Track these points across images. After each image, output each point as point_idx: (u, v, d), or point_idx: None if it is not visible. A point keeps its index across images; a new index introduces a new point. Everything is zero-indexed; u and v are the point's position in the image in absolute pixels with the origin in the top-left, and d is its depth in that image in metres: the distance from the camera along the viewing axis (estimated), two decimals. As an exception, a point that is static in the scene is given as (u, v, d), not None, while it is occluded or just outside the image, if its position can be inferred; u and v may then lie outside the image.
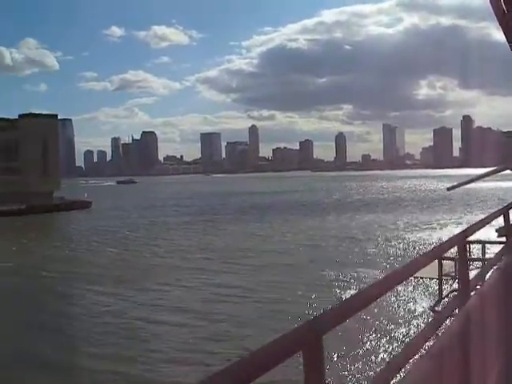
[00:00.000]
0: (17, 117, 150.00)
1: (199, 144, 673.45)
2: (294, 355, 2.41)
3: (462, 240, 5.35)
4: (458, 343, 4.25)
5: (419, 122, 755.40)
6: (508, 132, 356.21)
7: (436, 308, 16.34)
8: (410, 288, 37.02)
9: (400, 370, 3.41)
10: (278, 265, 50.88)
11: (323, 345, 2.59)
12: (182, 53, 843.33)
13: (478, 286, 5.73)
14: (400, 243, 61.92)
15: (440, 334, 4.14)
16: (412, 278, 32.61)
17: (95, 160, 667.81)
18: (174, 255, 59.64)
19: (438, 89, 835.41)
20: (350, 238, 67.64)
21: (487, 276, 6.03)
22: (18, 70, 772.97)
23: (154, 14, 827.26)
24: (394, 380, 3.26)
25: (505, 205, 8.09)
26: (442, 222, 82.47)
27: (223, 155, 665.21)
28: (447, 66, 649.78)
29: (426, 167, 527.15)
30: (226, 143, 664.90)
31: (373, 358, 26.09)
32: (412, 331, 28.67)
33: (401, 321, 31.90)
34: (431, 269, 16.70)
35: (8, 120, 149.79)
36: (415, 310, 33.88)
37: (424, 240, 61.74)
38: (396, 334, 29.34)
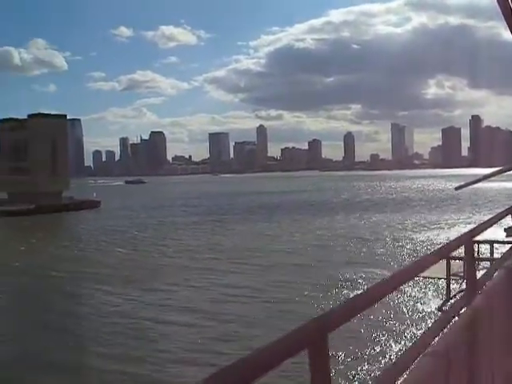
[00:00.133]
0: (26, 117, 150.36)
1: (207, 144, 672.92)
2: (299, 353, 2.40)
3: (468, 239, 5.34)
4: (463, 342, 4.25)
5: (428, 121, 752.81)
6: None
7: (444, 308, 16.30)
8: (419, 288, 36.98)
9: (406, 368, 3.41)
10: (287, 265, 50.88)
11: (329, 343, 2.58)
12: (190, 53, 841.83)
13: (485, 286, 5.73)
14: (408, 243, 61.84)
15: (445, 332, 4.14)
16: (421, 278, 32.62)
17: (104, 160, 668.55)
18: (182, 255, 59.69)
19: (446, 88, 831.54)
20: (358, 237, 67.51)
21: (494, 275, 6.03)
22: (27, 70, 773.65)
23: (162, 14, 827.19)
24: (400, 379, 3.27)
25: None
26: (450, 221, 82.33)
27: (231, 155, 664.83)
28: (456, 65, 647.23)
29: (435, 167, 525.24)
30: (234, 143, 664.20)
31: (378, 356, 26.07)
32: (419, 330, 28.62)
33: (408, 320, 31.86)
34: (440, 269, 16.68)
35: (17, 120, 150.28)
36: (423, 309, 33.84)
37: (432, 240, 61.64)
38: (402, 333, 29.31)
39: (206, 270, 50.01)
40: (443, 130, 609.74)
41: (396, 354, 25.19)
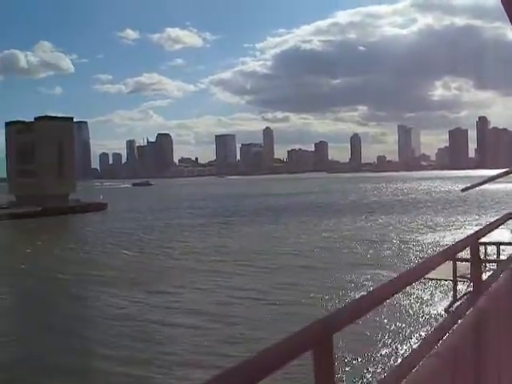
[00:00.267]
0: (33, 120, 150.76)
1: (214, 146, 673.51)
2: (304, 354, 2.40)
3: (474, 241, 5.34)
4: (469, 343, 4.24)
5: (434, 122, 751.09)
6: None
7: (450, 309, 16.29)
8: (426, 289, 36.93)
9: (411, 369, 3.41)
10: (293, 267, 50.84)
11: (333, 344, 2.56)
12: (196, 55, 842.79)
13: (491, 287, 5.72)
14: (415, 245, 61.76)
15: (451, 334, 4.14)
16: (428, 280, 32.57)
17: (110, 162, 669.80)
18: (188, 257, 59.74)
19: (453, 89, 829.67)
20: (365, 239, 67.41)
21: (500, 276, 6.02)
22: (34, 73, 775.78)
23: (168, 17, 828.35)
24: (405, 380, 3.27)
25: None
26: (457, 223, 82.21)
27: (238, 157, 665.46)
28: (462, 66, 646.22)
29: (442, 168, 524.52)
30: (240, 145, 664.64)
31: (383, 357, 26.03)
32: (424, 332, 28.55)
33: (414, 321, 31.80)
34: (447, 270, 16.66)
35: (24, 123, 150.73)
36: (429, 311, 33.76)
37: (439, 242, 61.44)
38: (408, 335, 29.24)
39: (212, 272, 50.03)
40: (450, 132, 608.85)
41: (401, 355, 25.13)
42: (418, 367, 3.43)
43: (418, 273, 4.04)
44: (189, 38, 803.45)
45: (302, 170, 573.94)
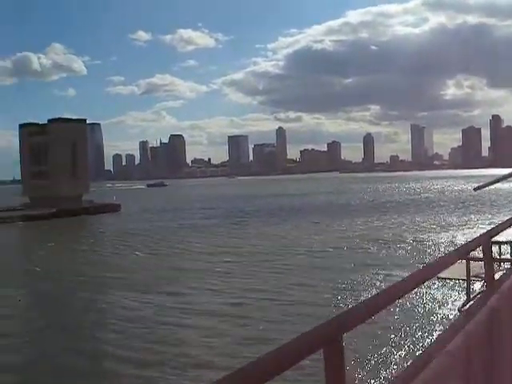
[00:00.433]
0: (46, 122, 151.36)
1: (226, 146, 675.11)
2: (315, 353, 2.43)
3: (487, 240, 5.33)
4: (481, 342, 4.24)
5: (447, 121, 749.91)
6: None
7: (463, 308, 16.25)
8: (439, 289, 36.83)
9: (423, 368, 3.42)
10: (306, 267, 50.77)
11: (344, 343, 2.57)
12: (209, 56, 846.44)
13: (503, 286, 5.71)
14: (429, 245, 61.51)
15: (463, 333, 4.14)
16: (442, 279, 32.48)
17: (124, 163, 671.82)
18: (200, 258, 59.75)
19: (465, 88, 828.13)
20: (378, 239, 67.21)
21: None
22: (46, 76, 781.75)
23: (180, 18, 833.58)
24: (418, 378, 3.28)
25: None
26: (470, 222, 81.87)
27: (251, 157, 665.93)
28: (475, 65, 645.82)
29: (455, 167, 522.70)
30: (253, 145, 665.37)
31: (394, 357, 25.96)
32: (437, 331, 28.42)
33: (426, 321, 31.68)
34: (460, 270, 16.65)
35: (37, 125, 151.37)
36: (442, 310, 33.64)
37: (453, 241, 61.19)
38: (420, 334, 29.12)
39: (224, 273, 50.03)
40: (463, 131, 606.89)
41: (412, 354, 25.05)
42: (429, 366, 3.44)
43: (431, 272, 4.05)
44: (201, 38, 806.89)
45: (315, 170, 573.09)
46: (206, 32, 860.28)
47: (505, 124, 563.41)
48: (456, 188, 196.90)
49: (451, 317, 30.15)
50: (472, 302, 5.08)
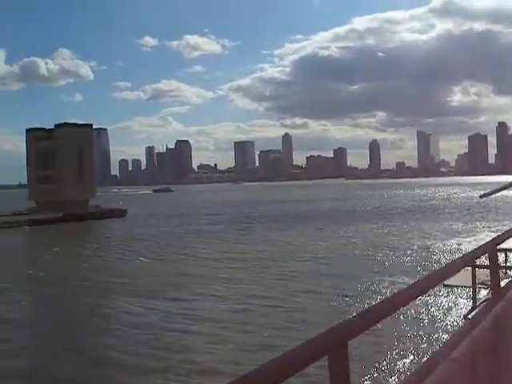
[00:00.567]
0: (53, 126, 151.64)
1: (233, 152, 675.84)
2: (320, 360, 2.45)
3: (492, 247, 5.34)
4: (485, 349, 4.25)
5: (454, 128, 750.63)
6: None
7: (468, 316, 16.21)
8: (445, 296, 36.72)
9: (427, 375, 3.42)
10: (311, 274, 50.66)
11: (349, 350, 2.58)
12: (215, 62, 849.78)
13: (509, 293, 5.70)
14: (436, 252, 61.33)
15: (469, 339, 4.14)
16: (446, 286, 32.37)
17: (130, 169, 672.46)
18: (206, 264, 59.64)
19: (472, 95, 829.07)
20: (384, 246, 67.00)
21: None
22: (54, 81, 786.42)
23: (186, 24, 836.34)
24: None
25: None
26: (475, 230, 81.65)
27: (257, 163, 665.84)
28: (481, 71, 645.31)
29: (462, 174, 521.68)
30: (259, 151, 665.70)
31: (399, 364, 25.87)
32: (442, 338, 28.30)
33: (431, 328, 31.55)
34: (465, 277, 16.57)
35: (44, 130, 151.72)
36: (447, 317, 33.51)
37: (457, 248, 60.99)
38: (425, 341, 29.01)
39: (229, 280, 49.92)
40: (469, 138, 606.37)
41: (418, 361, 24.95)
42: (434, 372, 3.45)
43: (436, 279, 4.06)
44: (207, 44, 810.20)
45: (321, 177, 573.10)
46: (213, 38, 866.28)
47: (511, 131, 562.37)
48: (462, 195, 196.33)
49: (456, 324, 30.05)
50: (477, 310, 5.08)
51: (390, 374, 24.80)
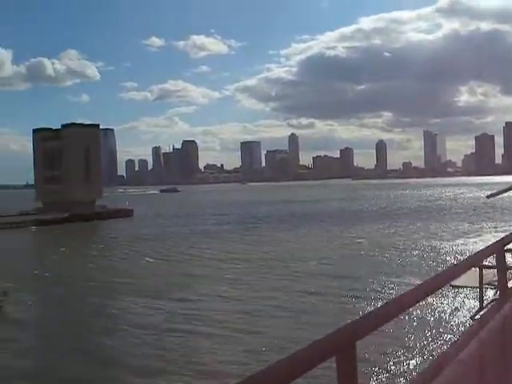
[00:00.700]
0: (60, 127, 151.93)
1: (239, 152, 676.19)
2: (327, 360, 2.46)
3: (500, 248, 5.30)
4: (493, 351, 4.21)
5: (460, 128, 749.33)
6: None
7: (476, 317, 16.15)
8: (452, 297, 36.64)
9: (436, 375, 3.39)
10: (317, 274, 50.59)
11: (357, 350, 2.58)
12: (221, 62, 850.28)
13: None
14: (441, 252, 61.23)
15: (476, 340, 4.11)
16: (453, 287, 32.28)
17: (136, 169, 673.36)
18: (211, 264, 59.62)
19: (478, 95, 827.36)
20: (391, 247, 66.90)
21: None
22: (60, 81, 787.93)
23: (193, 24, 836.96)
24: None
25: None
26: (483, 230, 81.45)
27: (263, 164, 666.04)
28: (488, 71, 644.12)
29: (469, 174, 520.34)
30: (265, 151, 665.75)
31: (406, 365, 25.80)
32: (450, 339, 28.21)
33: (439, 328, 31.46)
34: (473, 277, 16.51)
35: (51, 130, 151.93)
36: (455, 318, 33.42)
37: (465, 249, 60.86)
38: (432, 342, 28.94)
39: (234, 280, 49.89)
40: (476, 138, 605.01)
41: (425, 362, 24.86)
42: (442, 374, 3.41)
43: (444, 280, 4.02)
44: (214, 45, 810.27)
45: (328, 177, 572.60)
46: (219, 38, 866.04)
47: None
48: (469, 195, 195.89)
49: (464, 325, 29.96)
50: (485, 310, 5.04)
51: (398, 375, 24.74)
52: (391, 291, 41.45)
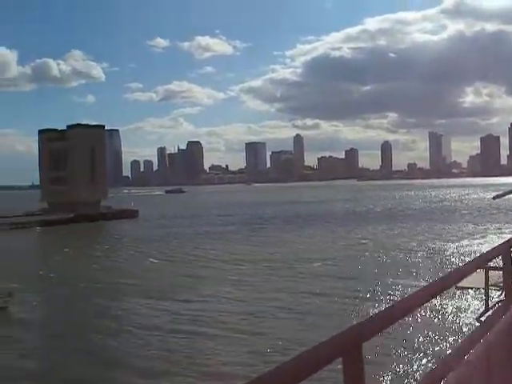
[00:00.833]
0: (65, 127, 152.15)
1: (244, 153, 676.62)
2: (334, 361, 2.45)
3: (506, 249, 5.28)
4: (499, 353, 4.17)
5: (466, 129, 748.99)
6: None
7: (482, 318, 16.10)
8: (458, 298, 36.54)
9: (443, 377, 3.36)
10: (323, 276, 50.51)
11: (363, 352, 2.59)
12: (226, 63, 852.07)
13: None
14: (447, 254, 61.10)
15: (483, 342, 4.08)
16: (459, 288, 32.19)
17: (142, 170, 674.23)
18: (216, 266, 59.57)
19: (484, 96, 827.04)
20: (396, 248, 66.82)
21: None
22: (66, 82, 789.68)
23: (198, 25, 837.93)
24: None
25: None
26: (488, 231, 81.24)
27: (268, 164, 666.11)
28: (493, 72, 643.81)
29: (474, 176, 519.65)
30: (270, 152, 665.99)
31: (413, 367, 25.74)
32: (456, 341, 28.11)
33: (444, 330, 31.37)
34: (478, 279, 16.46)
35: (57, 131, 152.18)
36: (460, 320, 33.31)
37: (470, 250, 60.69)
38: (438, 344, 28.85)
39: (239, 281, 49.86)
40: (482, 139, 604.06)
41: (431, 365, 24.79)
42: (450, 375, 3.38)
43: (449, 281, 3.99)
44: (218, 45, 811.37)
45: (333, 178, 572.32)
46: (224, 39, 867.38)
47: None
48: (474, 196, 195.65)
49: (469, 326, 29.86)
50: (491, 312, 5.00)
51: (404, 377, 24.68)
52: (396, 292, 41.33)
